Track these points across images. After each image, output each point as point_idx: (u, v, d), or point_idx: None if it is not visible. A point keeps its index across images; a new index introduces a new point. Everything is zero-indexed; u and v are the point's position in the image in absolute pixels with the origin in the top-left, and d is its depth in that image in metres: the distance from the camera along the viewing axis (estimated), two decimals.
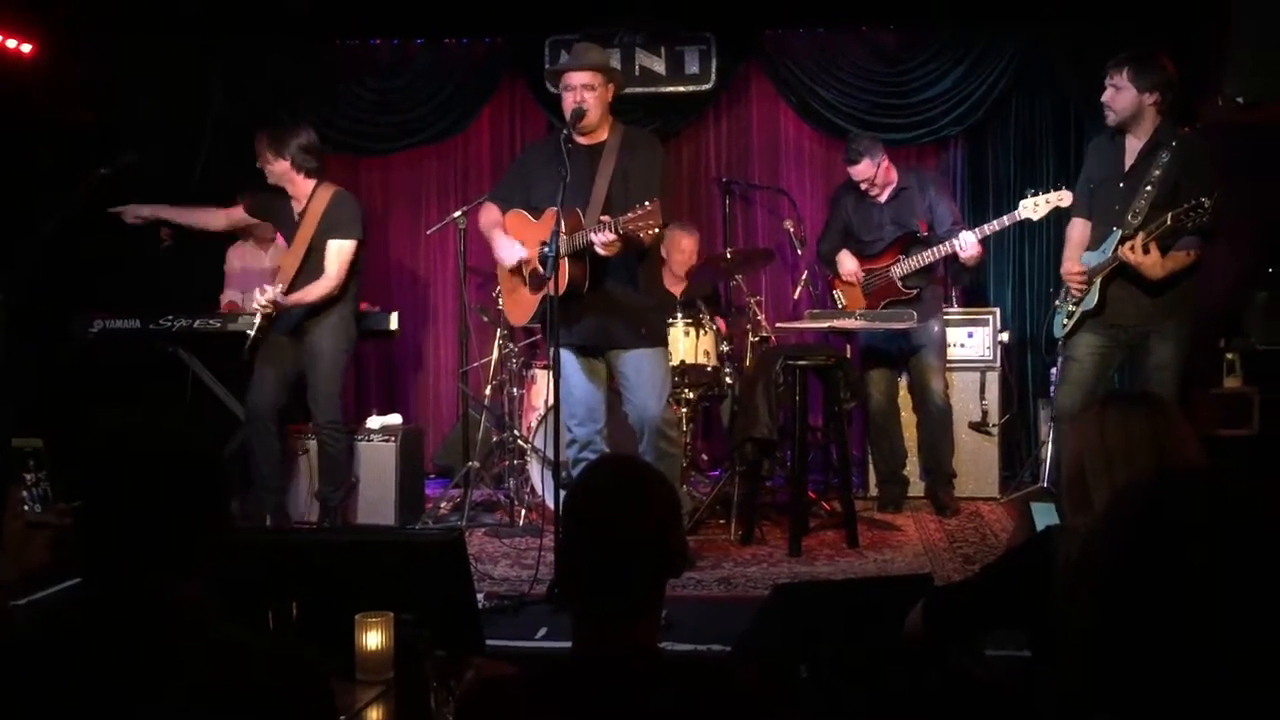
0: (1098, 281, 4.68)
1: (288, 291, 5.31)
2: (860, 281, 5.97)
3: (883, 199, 5.95)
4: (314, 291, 5.29)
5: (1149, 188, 4.55)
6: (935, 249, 5.76)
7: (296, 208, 5.45)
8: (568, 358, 4.68)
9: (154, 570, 1.64)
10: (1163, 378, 4.61)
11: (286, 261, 5.43)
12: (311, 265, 5.36)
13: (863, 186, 5.93)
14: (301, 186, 5.40)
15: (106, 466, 1.68)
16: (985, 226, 5.62)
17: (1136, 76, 4.59)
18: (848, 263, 6.00)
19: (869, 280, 5.96)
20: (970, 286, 6.72)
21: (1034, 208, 5.34)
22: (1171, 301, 4.61)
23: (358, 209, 5.50)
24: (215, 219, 5.70)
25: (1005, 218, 5.54)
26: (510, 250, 4.74)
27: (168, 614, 1.63)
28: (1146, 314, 4.64)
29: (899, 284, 5.88)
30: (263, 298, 5.27)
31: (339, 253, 5.36)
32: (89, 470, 1.69)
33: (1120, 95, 4.63)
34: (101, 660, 1.58)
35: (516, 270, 4.80)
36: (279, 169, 5.36)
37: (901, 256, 5.87)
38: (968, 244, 5.59)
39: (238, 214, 5.64)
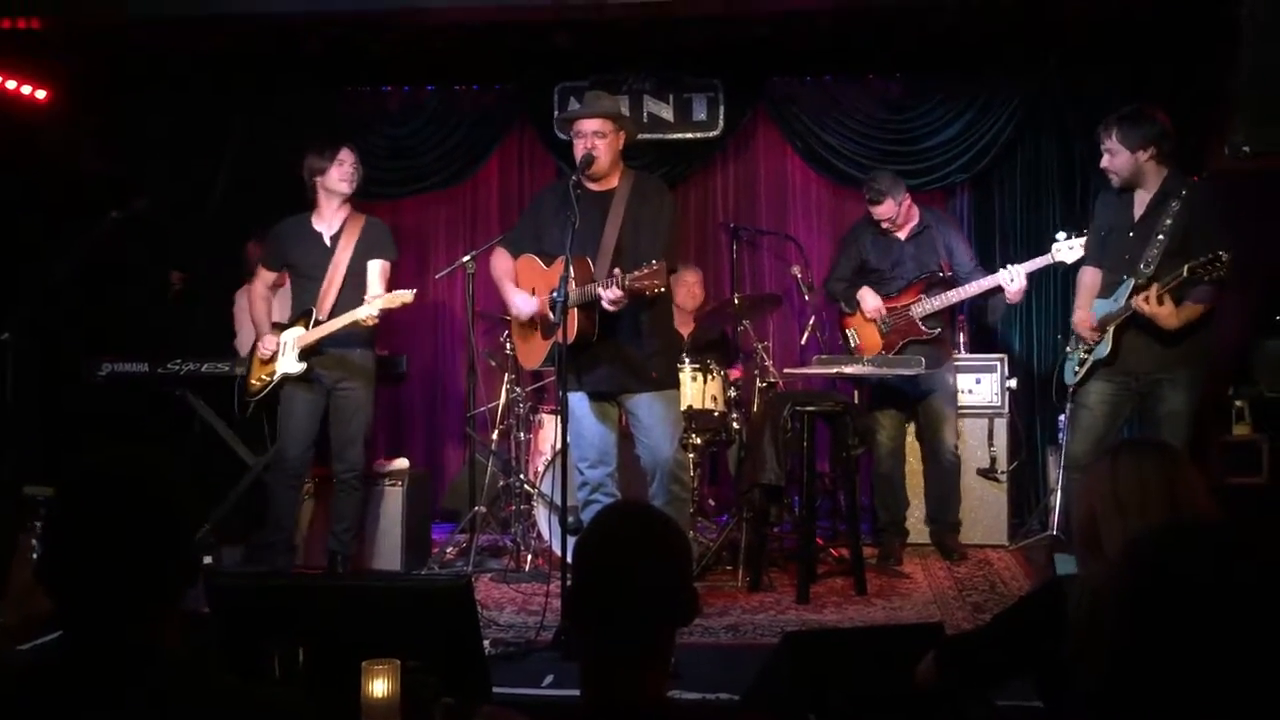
0: (1111, 330, 4.70)
1: (330, 315, 5.30)
2: (881, 319, 5.94)
3: (903, 235, 5.91)
4: (388, 295, 5.24)
5: (1160, 237, 4.57)
6: (965, 288, 5.75)
7: (327, 231, 5.45)
8: (579, 400, 4.70)
9: (125, 618, 1.63)
10: (1175, 426, 4.60)
11: (328, 283, 5.36)
12: (351, 288, 5.35)
13: (884, 225, 5.90)
14: (342, 209, 5.48)
15: (68, 514, 1.67)
16: (1027, 264, 5.60)
17: (1125, 137, 4.65)
18: (870, 299, 5.90)
19: (888, 319, 5.91)
20: (997, 326, 6.64)
21: (1069, 250, 5.35)
22: (1186, 350, 4.61)
23: (391, 233, 5.60)
24: (263, 297, 5.58)
25: (1040, 259, 5.54)
26: (524, 303, 4.78)
27: (145, 661, 1.62)
28: (1161, 362, 4.65)
29: (920, 324, 5.82)
30: (373, 309, 5.17)
31: (384, 272, 5.43)
32: (52, 517, 1.68)
33: (1116, 158, 4.70)
34: (79, 708, 1.57)
35: (530, 318, 4.83)
36: (350, 186, 5.44)
37: (923, 296, 5.83)
38: (1015, 277, 5.55)
39: (269, 278, 5.60)
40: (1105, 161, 4.74)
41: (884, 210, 5.83)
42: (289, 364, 5.36)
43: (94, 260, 5.40)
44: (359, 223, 5.49)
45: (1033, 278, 5.76)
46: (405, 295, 5.23)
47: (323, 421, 5.46)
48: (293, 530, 5.51)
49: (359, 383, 5.44)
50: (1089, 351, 4.80)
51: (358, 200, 7.19)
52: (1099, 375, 4.78)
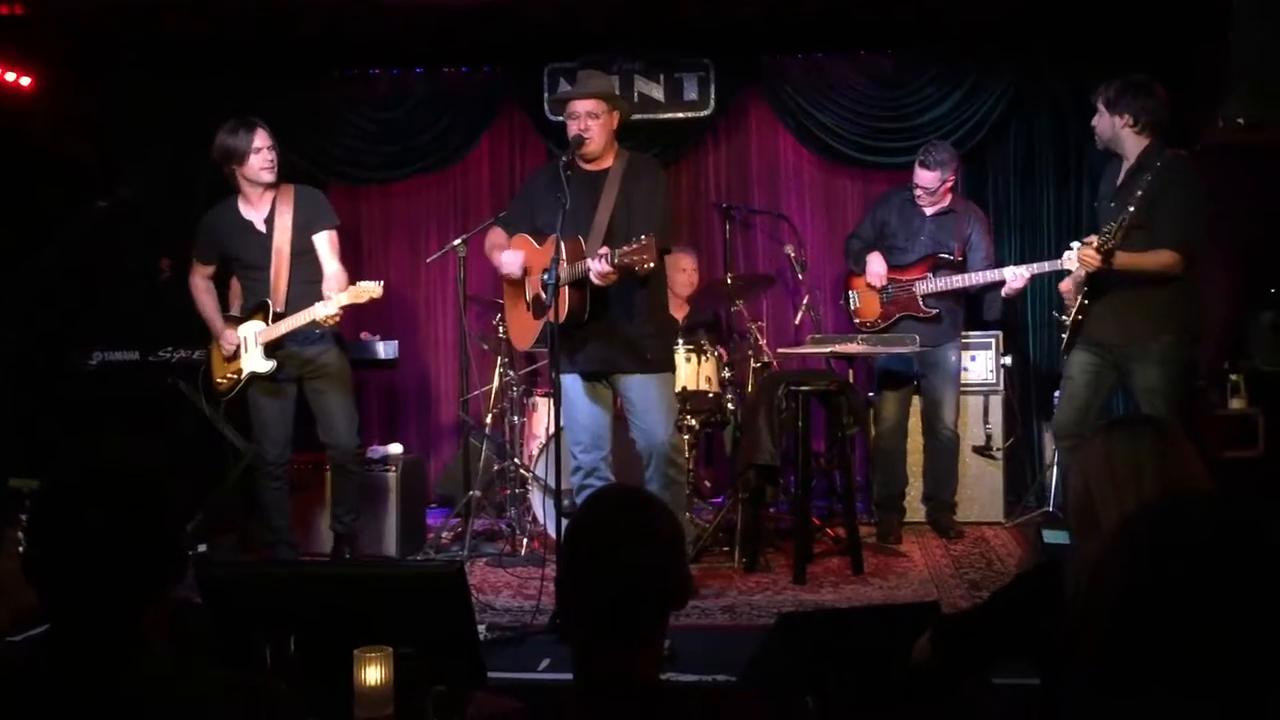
0: (1079, 297, 4.74)
1: (286, 303, 5.10)
2: (882, 287, 5.93)
3: (928, 211, 5.92)
4: (352, 289, 4.94)
5: (1130, 208, 4.58)
6: (969, 276, 5.75)
7: (259, 217, 5.17)
8: (572, 383, 4.67)
9: (113, 611, 1.62)
10: (1154, 402, 4.58)
11: (275, 273, 5.11)
12: (301, 269, 5.15)
13: (917, 193, 5.88)
14: (269, 190, 5.17)
15: (54, 508, 1.66)
16: (1034, 266, 5.64)
17: (1109, 103, 4.73)
18: (876, 264, 5.92)
19: (890, 289, 5.91)
20: (1002, 320, 6.62)
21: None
22: (1152, 322, 4.61)
23: (324, 196, 5.37)
24: (205, 290, 5.34)
25: (1049, 263, 5.57)
26: (511, 259, 4.75)
27: (132, 654, 1.60)
28: (1124, 333, 4.67)
29: (919, 301, 5.84)
30: (331, 308, 4.91)
31: (332, 243, 5.20)
32: (38, 511, 1.67)
33: (1099, 120, 4.79)
34: (65, 701, 1.56)
35: (519, 291, 4.79)
36: (273, 173, 5.11)
37: (929, 274, 5.84)
38: (1017, 275, 5.60)
39: (206, 271, 5.33)
40: (1094, 120, 4.82)
41: (926, 179, 5.81)
42: (256, 362, 5.14)
43: (81, 248, 5.35)
44: (289, 197, 5.16)
45: (1010, 258, 5.79)
46: (373, 289, 4.92)
47: (298, 410, 5.33)
48: (289, 527, 5.42)
49: (328, 369, 5.26)
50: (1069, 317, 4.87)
51: (345, 185, 7.13)
52: (1079, 344, 4.84)
